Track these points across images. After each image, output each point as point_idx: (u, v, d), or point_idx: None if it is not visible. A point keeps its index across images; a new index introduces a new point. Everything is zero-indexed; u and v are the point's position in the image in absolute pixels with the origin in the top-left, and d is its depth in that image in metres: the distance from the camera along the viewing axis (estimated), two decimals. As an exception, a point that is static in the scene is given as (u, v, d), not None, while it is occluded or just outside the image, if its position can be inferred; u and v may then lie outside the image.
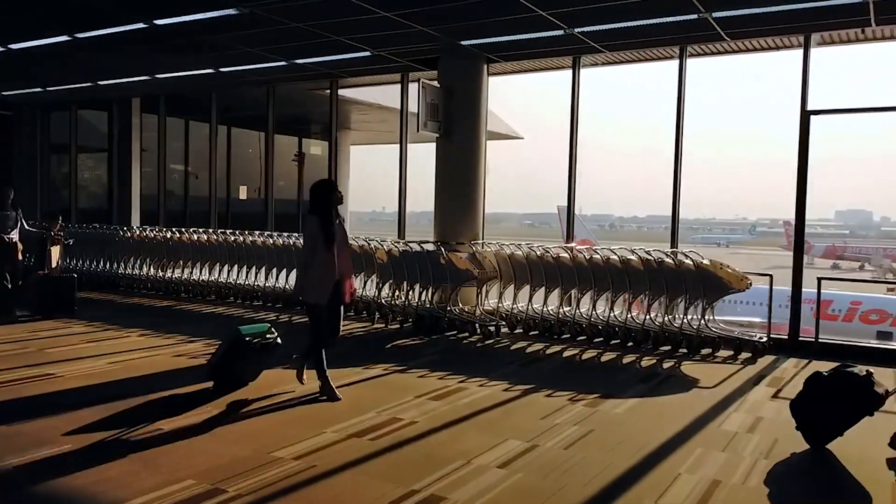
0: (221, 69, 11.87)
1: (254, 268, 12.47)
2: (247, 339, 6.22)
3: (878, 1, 7.47)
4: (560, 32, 8.97)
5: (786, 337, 9.30)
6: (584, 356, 8.70)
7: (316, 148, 19.30)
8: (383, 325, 10.49)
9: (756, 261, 38.32)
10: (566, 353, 8.84)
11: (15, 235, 10.09)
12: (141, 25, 9.03)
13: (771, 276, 9.51)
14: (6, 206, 10.07)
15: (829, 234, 65.28)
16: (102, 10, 8.52)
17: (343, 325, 6.72)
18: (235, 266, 12.68)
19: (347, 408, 5.97)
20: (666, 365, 8.22)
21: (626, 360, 8.52)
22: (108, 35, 9.62)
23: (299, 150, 13.92)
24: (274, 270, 12.26)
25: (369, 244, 10.96)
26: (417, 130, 10.34)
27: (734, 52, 9.89)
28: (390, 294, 10.71)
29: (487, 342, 9.46)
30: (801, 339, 9.27)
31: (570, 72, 10.74)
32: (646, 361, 8.42)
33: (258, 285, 12.41)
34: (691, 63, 9.90)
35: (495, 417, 5.91)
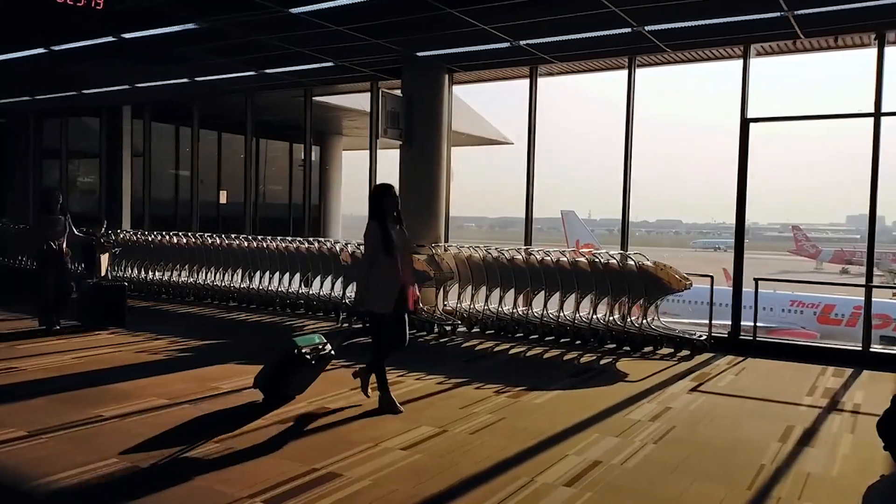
0: (196, 79, 12.34)
1: (229, 270, 12.92)
2: (303, 351, 5.94)
3: (798, 15, 7.87)
4: (507, 45, 9.40)
5: (726, 335, 9.64)
6: (530, 353, 9.12)
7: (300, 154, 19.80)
8: (347, 325, 10.93)
9: (763, 265, 38.38)
10: (513, 351, 9.26)
11: (63, 242, 9.62)
12: (110, 39, 9.50)
13: (712, 277, 9.88)
14: (54, 211, 9.61)
15: (839, 239, 65.10)
16: (78, 24, 9.01)
17: (325, 325, 7.08)
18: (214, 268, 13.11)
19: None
20: (604, 361, 8.65)
21: (569, 356, 8.93)
22: (82, 48, 10.11)
23: (306, 156, 14.21)
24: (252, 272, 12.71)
25: (333, 246, 11.40)
26: (377, 137, 10.79)
27: (679, 61, 10.31)
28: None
29: (442, 340, 9.89)
30: (741, 337, 9.62)
31: (529, 80, 11.18)
32: (586, 358, 8.84)
33: (236, 286, 12.85)
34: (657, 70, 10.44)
35: (419, 407, 6.33)
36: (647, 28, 8.54)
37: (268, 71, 11.55)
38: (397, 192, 6.05)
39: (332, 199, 20.92)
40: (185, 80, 12.44)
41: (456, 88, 12.07)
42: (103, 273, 10.89)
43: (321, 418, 5.88)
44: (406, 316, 6.04)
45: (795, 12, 7.77)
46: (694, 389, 7.32)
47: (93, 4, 6.26)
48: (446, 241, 11.71)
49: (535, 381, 7.42)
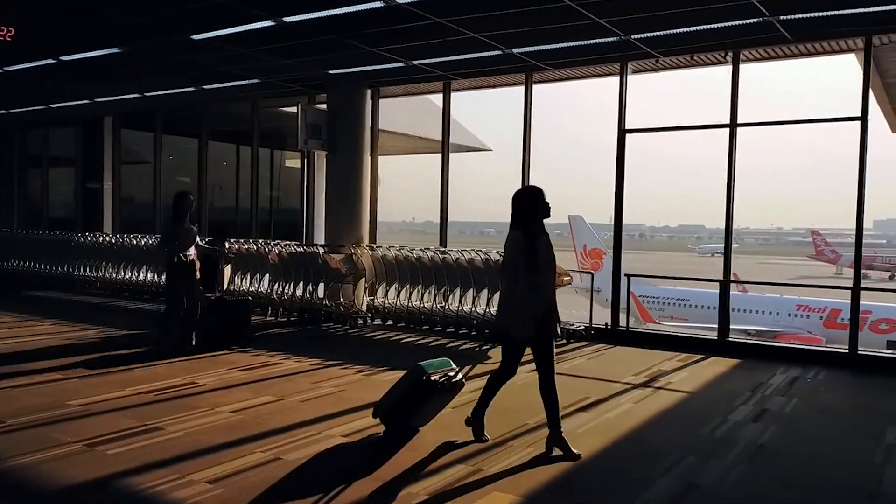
0: (146, 94, 13.50)
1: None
2: (433, 378, 5.38)
3: (635, 40, 8.85)
4: (401, 64, 10.44)
5: (603, 326, 10.57)
6: (423, 341, 10.13)
7: (293, 160, 20.79)
8: (273, 318, 11.99)
9: (780, 271, 38.69)
10: (405, 340, 10.28)
11: (192, 253, 8.86)
12: (51, 61, 10.66)
13: (592, 274, 10.81)
14: (184, 219, 8.78)
15: (865, 244, 64.74)
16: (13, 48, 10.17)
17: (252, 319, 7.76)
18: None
19: (162, 375, 7.46)
20: (485, 348, 9.59)
21: (455, 344, 9.91)
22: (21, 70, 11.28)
23: (253, 160, 14.99)
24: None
25: (263, 246, 12.49)
26: (298, 147, 11.86)
27: (572, 77, 11.31)
28: (280, 290, 12.20)
29: (351, 332, 10.91)
30: (618, 328, 10.55)
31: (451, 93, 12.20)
32: (471, 345, 9.82)
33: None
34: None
35: (277, 382, 7.37)
36: (516, 50, 9.52)
37: (206, 87, 12.63)
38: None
39: (318, 204, 21.93)
40: (136, 94, 13.56)
41: (435, 98, 13.37)
42: (225, 286, 10.11)
43: (183, 389, 6.93)
44: (552, 343, 5.24)
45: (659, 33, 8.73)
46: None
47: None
48: (374, 241, 12.75)
49: (400, 362, 8.40)
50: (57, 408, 6.17)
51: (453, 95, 12.12)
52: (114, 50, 9.90)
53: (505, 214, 5.26)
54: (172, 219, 8.87)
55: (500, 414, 6.20)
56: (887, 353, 10.05)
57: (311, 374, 7.81)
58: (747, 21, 7.99)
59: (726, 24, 8.23)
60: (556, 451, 5.19)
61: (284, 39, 9.26)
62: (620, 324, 10.64)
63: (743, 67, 9.85)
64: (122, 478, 4.59)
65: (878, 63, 10.06)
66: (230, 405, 6.37)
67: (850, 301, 9.13)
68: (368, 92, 12.47)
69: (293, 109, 14.54)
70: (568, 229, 34.35)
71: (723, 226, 10.09)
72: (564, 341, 10.04)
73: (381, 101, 12.99)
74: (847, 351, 9.07)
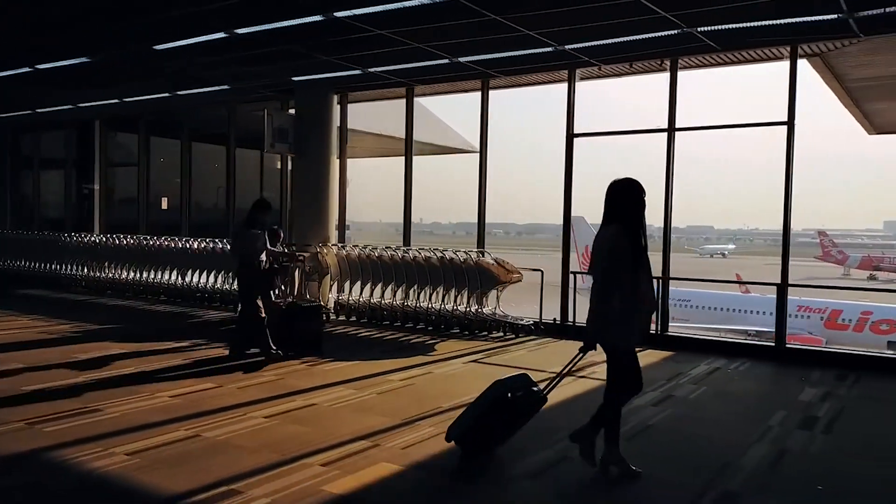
0: (125, 99, 14.07)
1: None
2: (517, 396, 5.05)
3: (570, 49, 9.35)
4: (359, 72, 10.97)
5: (552, 322, 11.05)
6: (378, 335, 10.63)
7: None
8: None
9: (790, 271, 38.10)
10: (363, 334, 10.79)
11: (265, 260, 8.56)
12: (27, 69, 11.24)
13: (542, 271, 11.27)
14: (255, 224, 8.42)
15: (874, 245, 64.64)
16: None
17: (220, 315, 8.21)
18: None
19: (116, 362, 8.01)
20: (432, 341, 10.12)
21: (407, 337, 10.44)
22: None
23: (229, 161, 15.34)
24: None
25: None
26: (265, 151, 12.40)
27: (524, 84, 11.81)
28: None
29: (313, 326, 11.40)
30: (567, 323, 11.03)
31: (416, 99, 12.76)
32: (421, 338, 10.35)
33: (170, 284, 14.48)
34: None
35: (215, 369, 7.88)
36: (459, 59, 10.03)
37: (180, 93, 13.19)
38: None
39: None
40: (115, 100, 14.14)
41: (424, 101, 13.94)
42: (296, 293, 9.66)
43: (114, 372, 7.47)
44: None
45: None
46: (475, 361, 8.81)
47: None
48: (343, 241, 13.27)
49: (346, 354, 8.93)
50: (11, 392, 6.70)
51: (438, 98, 12.58)
52: (84, 59, 10.42)
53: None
54: (244, 223, 8.49)
55: (418, 399, 6.72)
56: (813, 346, 10.47)
57: (258, 364, 8.32)
58: (670, 32, 8.45)
59: (654, 34, 8.70)
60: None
61: (241, 49, 9.79)
62: (569, 319, 11.10)
63: (687, 73, 10.37)
64: (53, 450, 5.12)
65: (834, 68, 10.51)
66: (170, 391, 6.90)
67: (775, 296, 9.56)
68: (335, 97, 12.98)
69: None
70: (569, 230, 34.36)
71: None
72: (512, 336, 10.55)
73: (372, 105, 13.50)
74: (774, 344, 9.52)
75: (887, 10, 7.29)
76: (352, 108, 13.82)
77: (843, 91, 11.88)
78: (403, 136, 15.59)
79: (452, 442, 5.05)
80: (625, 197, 4.64)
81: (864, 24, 7.88)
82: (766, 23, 8.25)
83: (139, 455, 5.04)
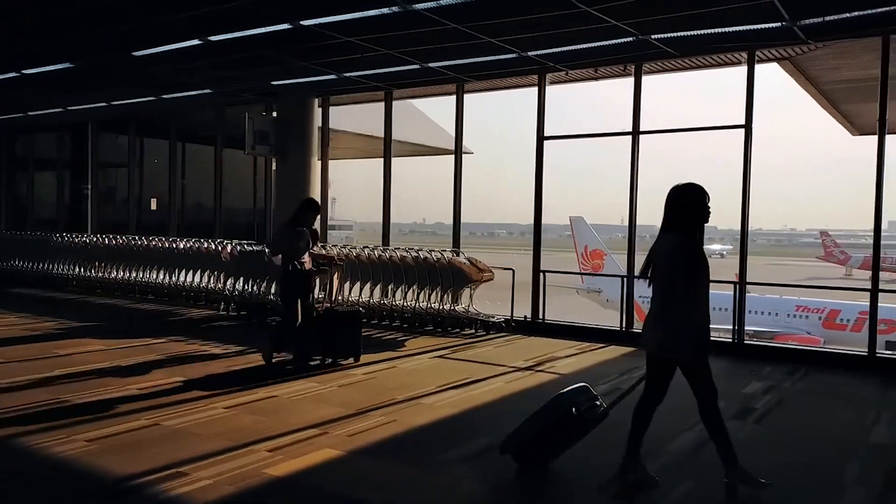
0: (113, 103, 14.44)
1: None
2: (581, 410, 4.90)
3: (534, 56, 9.67)
4: (334, 76, 11.31)
5: (522, 319, 11.37)
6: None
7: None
8: (226, 312, 12.86)
9: (788, 272, 38.73)
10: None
11: (307, 261, 8.25)
12: (13, 74, 11.60)
13: (513, 270, 11.58)
14: (300, 223, 8.14)
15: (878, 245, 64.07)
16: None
17: (203, 313, 8.49)
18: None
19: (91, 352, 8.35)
20: (404, 338, 10.42)
21: (381, 334, 10.74)
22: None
23: (216, 160, 15.66)
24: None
25: (215, 246, 13.38)
26: (245, 153, 12.75)
27: (496, 88, 12.14)
28: (232, 286, 13.07)
29: (292, 324, 11.74)
30: (538, 320, 11.35)
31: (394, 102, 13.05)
32: (394, 335, 10.66)
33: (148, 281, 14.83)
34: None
35: (187, 364, 8.22)
36: (428, 64, 10.36)
37: (165, 97, 13.54)
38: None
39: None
40: (103, 103, 14.50)
41: (417, 103, 14.43)
42: (335, 296, 9.07)
43: (86, 364, 7.81)
44: (707, 363, 4.61)
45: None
46: (441, 356, 9.14)
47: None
48: (325, 241, 13.60)
49: (317, 350, 9.25)
50: (-13, 385, 7.06)
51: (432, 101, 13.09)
52: (68, 65, 10.77)
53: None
54: (289, 222, 8.19)
55: (375, 391, 7.05)
56: (769, 342, 10.77)
57: (230, 359, 8.66)
58: (626, 39, 8.77)
59: (612, 42, 9.01)
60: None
61: (217, 56, 10.13)
62: (539, 317, 11.42)
63: (654, 78, 10.70)
64: (18, 437, 5.45)
65: (806, 71, 10.81)
66: (138, 383, 7.24)
67: (733, 293, 9.87)
68: (317, 100, 13.32)
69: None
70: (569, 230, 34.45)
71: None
72: (483, 332, 10.87)
73: (367, 108, 13.81)
74: (731, 340, 9.84)
75: (826, 18, 7.60)
76: (348, 111, 14.20)
77: (819, 94, 12.19)
78: (408, 140, 16.08)
79: (508, 455, 4.96)
80: (685, 203, 4.49)
81: (810, 31, 8.19)
82: (718, 30, 8.56)
83: (98, 441, 5.37)
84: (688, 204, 4.50)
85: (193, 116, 16.51)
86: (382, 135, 14.44)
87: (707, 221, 4.51)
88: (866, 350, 9.15)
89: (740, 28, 8.37)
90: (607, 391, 7.35)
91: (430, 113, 18.27)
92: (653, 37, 8.64)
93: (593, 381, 7.60)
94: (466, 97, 12.10)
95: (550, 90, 11.24)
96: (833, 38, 8.70)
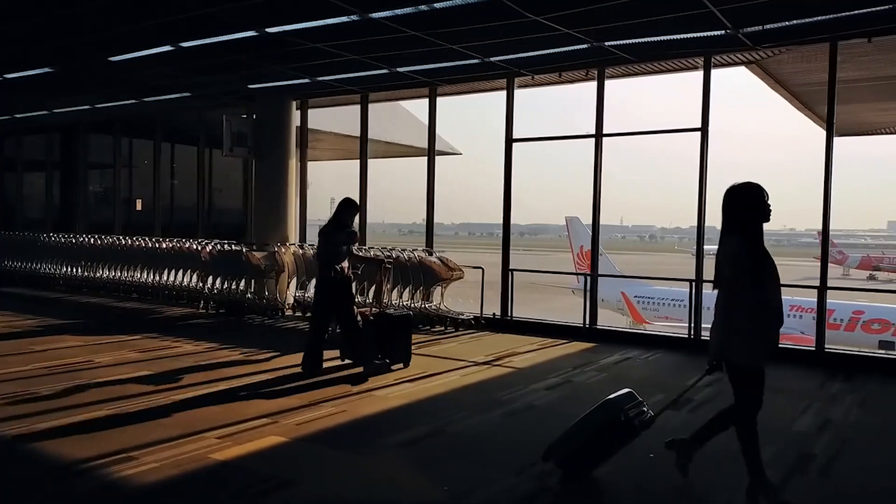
0: (97, 105, 14.75)
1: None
2: (629, 417, 4.81)
3: (496, 61, 9.99)
4: (307, 80, 11.63)
5: (491, 316, 11.68)
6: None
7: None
8: (205, 311, 13.18)
9: (786, 271, 38.66)
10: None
11: (346, 265, 7.96)
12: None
13: (482, 269, 11.90)
14: (343, 224, 7.87)
15: (876, 245, 64.59)
16: None
17: (183, 311, 8.93)
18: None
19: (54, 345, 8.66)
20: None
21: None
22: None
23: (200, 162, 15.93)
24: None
25: (195, 245, 13.70)
26: (223, 154, 13.06)
27: (468, 91, 12.48)
28: (211, 284, 13.39)
29: (267, 322, 12.07)
30: (506, 318, 11.67)
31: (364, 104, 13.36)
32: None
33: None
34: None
35: (155, 359, 8.54)
36: (396, 69, 10.69)
37: (146, 99, 13.86)
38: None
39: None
40: (86, 106, 14.82)
41: (407, 104, 14.99)
42: (385, 300, 8.93)
43: (65, 359, 8.13)
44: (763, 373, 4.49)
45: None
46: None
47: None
48: (303, 240, 13.93)
49: (285, 346, 9.57)
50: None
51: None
52: (47, 69, 11.09)
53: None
54: (331, 223, 7.88)
55: (330, 384, 7.36)
56: None
57: (199, 355, 8.98)
58: (581, 46, 9.09)
59: (569, 48, 9.32)
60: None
61: (191, 61, 10.45)
62: (508, 314, 11.74)
63: (615, 82, 11.03)
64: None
65: (774, 75, 11.12)
66: (107, 376, 7.56)
67: (689, 290, 10.20)
68: (295, 103, 13.63)
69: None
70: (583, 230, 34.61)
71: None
72: (453, 329, 11.19)
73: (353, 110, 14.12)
74: (687, 336, 10.17)
75: (766, 27, 7.92)
76: (340, 112, 14.49)
77: (792, 96, 12.50)
78: (397, 141, 16.41)
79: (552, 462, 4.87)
80: (743, 203, 4.36)
81: (755, 38, 8.51)
82: (671, 37, 8.88)
83: (58, 429, 5.69)
84: (743, 204, 4.36)
85: (178, 118, 16.83)
86: (382, 138, 14.85)
87: (767, 220, 4.34)
88: (814, 346, 9.45)
89: (691, 35, 8.68)
90: (558, 383, 7.74)
91: (422, 116, 18.50)
92: (607, 43, 8.95)
93: (544, 375, 8.05)
94: (462, 98, 12.43)
95: (548, 91, 11.49)
96: (781, 45, 9.02)
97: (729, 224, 4.36)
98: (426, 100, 12.83)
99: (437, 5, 7.42)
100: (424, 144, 17.53)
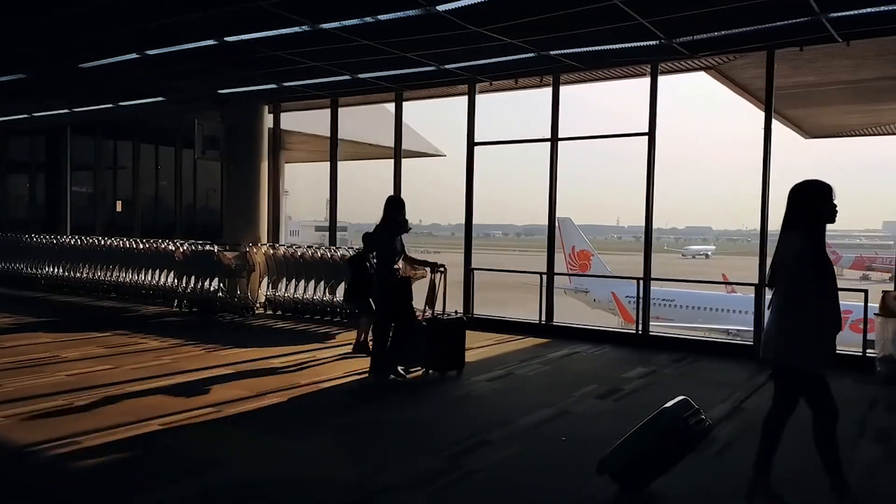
0: (75, 109, 15.14)
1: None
2: (689, 425, 4.61)
3: (452, 68, 10.40)
4: (274, 86, 12.03)
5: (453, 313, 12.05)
6: (287, 327, 11.68)
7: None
8: (178, 309, 13.55)
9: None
10: (277, 325, 11.86)
11: (402, 267, 7.89)
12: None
13: (444, 267, 12.24)
14: (394, 224, 7.57)
15: (871, 246, 64.89)
16: None
17: (157, 310, 9.29)
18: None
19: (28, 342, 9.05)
20: (334, 332, 11.11)
21: (314, 328, 11.49)
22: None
23: (195, 160, 16.29)
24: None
25: (169, 245, 14.09)
26: (196, 157, 13.45)
27: (432, 97, 12.90)
28: (185, 284, 13.77)
29: (237, 320, 12.46)
30: (468, 315, 12.03)
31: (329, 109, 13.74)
32: (327, 329, 11.37)
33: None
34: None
35: (120, 355, 8.91)
36: (358, 75, 11.09)
37: (123, 103, 14.25)
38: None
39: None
40: (65, 110, 15.21)
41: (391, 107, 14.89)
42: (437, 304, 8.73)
43: (32, 354, 8.51)
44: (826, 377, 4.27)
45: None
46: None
47: None
48: (277, 241, 14.32)
49: (249, 342, 9.98)
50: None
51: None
52: (20, 75, 11.48)
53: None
54: (382, 224, 7.59)
55: (286, 378, 7.75)
56: (671, 334, 11.51)
57: (162, 350, 9.37)
58: (528, 55, 9.50)
59: (517, 56, 9.72)
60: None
61: (157, 68, 10.86)
62: (469, 311, 12.12)
63: (571, 88, 11.45)
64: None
65: (734, 80, 11.44)
66: (69, 370, 7.95)
67: (636, 288, 10.63)
68: (266, 107, 14.02)
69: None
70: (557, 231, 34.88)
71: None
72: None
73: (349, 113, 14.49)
74: (635, 332, 10.60)
75: (695, 37, 8.34)
76: (324, 115, 14.84)
77: (756, 100, 12.84)
78: (380, 143, 16.70)
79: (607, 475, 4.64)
80: (810, 201, 4.24)
81: (689, 47, 8.93)
82: (610, 46, 9.29)
83: (13, 418, 6.07)
84: (810, 201, 4.25)
85: (156, 120, 17.21)
86: (366, 140, 15.18)
87: (832, 220, 4.23)
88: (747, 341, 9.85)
89: (631, 45, 9.09)
90: (500, 375, 8.14)
91: (409, 119, 18.82)
92: (552, 52, 9.37)
93: (490, 367, 8.43)
94: (445, 102, 12.80)
95: (540, 93, 11.81)
96: (718, 53, 9.44)
97: (792, 222, 4.25)
98: (392, 104, 13.26)
99: (381, 17, 7.82)
100: (407, 146, 18.00)
